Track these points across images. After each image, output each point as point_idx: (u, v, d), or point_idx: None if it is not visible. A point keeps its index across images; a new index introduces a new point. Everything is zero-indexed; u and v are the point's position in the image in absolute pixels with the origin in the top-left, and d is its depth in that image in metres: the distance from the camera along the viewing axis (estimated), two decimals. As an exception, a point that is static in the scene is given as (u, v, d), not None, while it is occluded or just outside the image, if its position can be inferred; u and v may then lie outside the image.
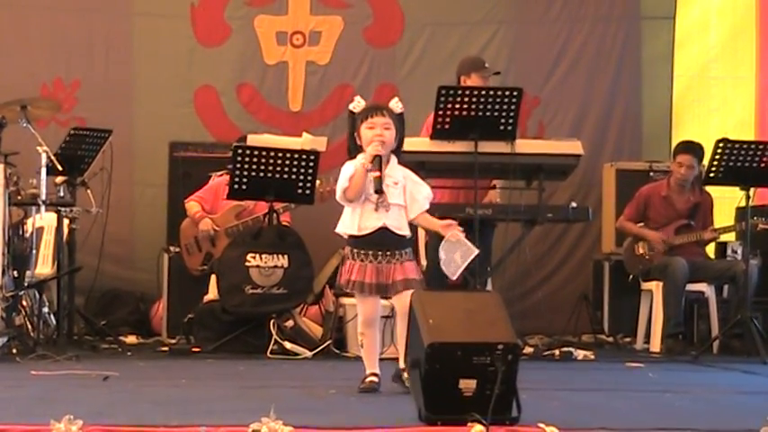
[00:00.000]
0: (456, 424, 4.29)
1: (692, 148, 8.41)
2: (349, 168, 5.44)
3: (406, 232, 5.49)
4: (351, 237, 5.47)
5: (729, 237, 8.72)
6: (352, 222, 5.46)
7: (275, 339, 7.59)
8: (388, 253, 5.42)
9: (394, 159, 5.52)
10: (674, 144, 9.63)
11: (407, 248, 5.50)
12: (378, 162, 5.36)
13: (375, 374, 5.48)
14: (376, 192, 5.36)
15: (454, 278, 5.67)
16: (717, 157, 7.72)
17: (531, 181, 7.78)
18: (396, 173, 5.49)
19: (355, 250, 5.45)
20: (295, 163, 7.72)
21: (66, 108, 9.16)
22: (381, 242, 5.42)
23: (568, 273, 9.84)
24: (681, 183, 8.42)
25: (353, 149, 5.52)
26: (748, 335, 7.70)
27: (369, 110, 5.49)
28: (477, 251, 5.54)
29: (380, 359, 5.58)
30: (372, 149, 5.38)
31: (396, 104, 5.52)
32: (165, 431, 4.20)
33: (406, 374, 5.35)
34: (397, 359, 5.53)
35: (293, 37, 9.86)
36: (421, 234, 8.03)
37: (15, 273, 7.40)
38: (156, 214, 9.33)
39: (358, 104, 5.52)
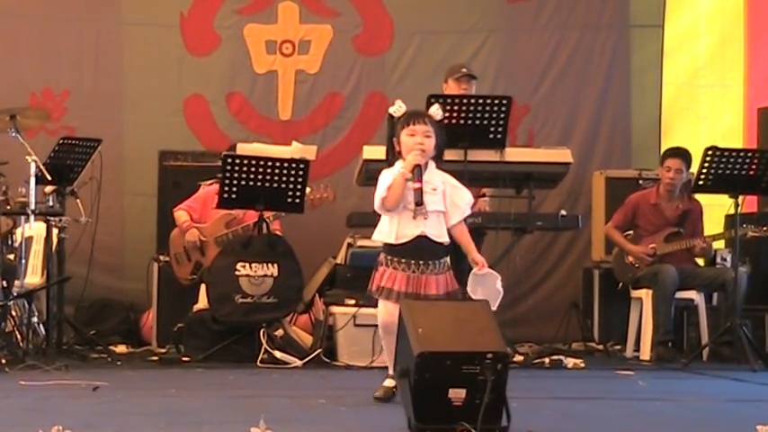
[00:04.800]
0: (446, 433, 4.30)
1: (680, 153, 8.44)
2: (387, 177, 5.38)
3: (445, 239, 5.41)
4: (387, 245, 5.41)
5: (719, 244, 8.73)
6: (390, 231, 5.39)
7: (265, 349, 7.58)
8: (421, 262, 5.34)
9: (432, 165, 5.45)
10: (662, 152, 9.67)
11: (444, 258, 5.41)
12: (418, 172, 5.31)
13: (393, 378, 5.42)
14: (417, 204, 5.29)
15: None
16: (706, 164, 7.73)
17: (521, 189, 7.79)
18: (434, 178, 5.42)
19: (389, 257, 5.39)
20: (285, 172, 7.71)
21: (56, 117, 9.15)
22: (418, 251, 5.35)
23: (558, 281, 9.85)
24: (669, 188, 8.42)
25: (392, 154, 5.47)
26: (738, 342, 7.70)
27: (410, 116, 5.42)
28: (498, 276, 5.45)
29: (369, 368, 5.58)
30: (413, 159, 5.32)
31: (436, 111, 5.47)
32: (154, 441, 4.20)
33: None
34: (385, 367, 5.53)
35: (283, 46, 9.86)
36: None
37: (4, 282, 7.38)
38: (146, 223, 9.31)
39: (398, 109, 5.45)
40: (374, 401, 5.40)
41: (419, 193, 5.30)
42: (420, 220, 5.35)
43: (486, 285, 5.32)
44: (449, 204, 5.43)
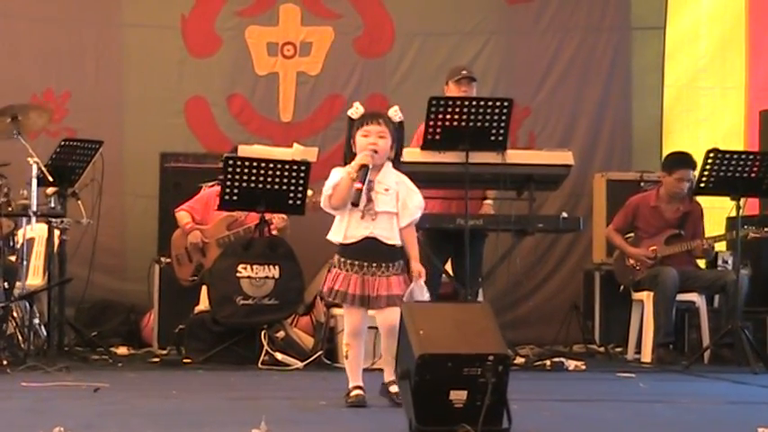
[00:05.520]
0: (447, 435, 4.30)
1: (690, 162, 8.26)
2: (335, 175, 5.37)
3: (397, 241, 5.37)
4: (339, 245, 5.40)
5: (720, 247, 8.72)
6: (339, 230, 5.39)
7: (266, 350, 7.59)
8: (374, 265, 5.32)
9: (388, 165, 5.43)
10: (664, 154, 9.65)
11: (397, 261, 5.38)
12: (363, 173, 5.27)
13: (360, 387, 5.40)
14: (352, 204, 5.28)
15: None
16: (707, 167, 7.73)
17: (522, 191, 7.80)
18: (388, 179, 5.40)
19: (342, 259, 5.37)
20: (286, 174, 7.72)
21: (57, 119, 9.15)
22: (368, 252, 5.33)
23: (559, 283, 9.85)
24: (678, 196, 8.41)
25: (349, 156, 5.45)
26: (739, 345, 7.70)
27: (365, 117, 5.41)
28: (424, 287, 5.43)
29: (369, 370, 5.57)
30: (361, 159, 5.31)
31: (395, 113, 5.44)
32: (155, 443, 4.20)
33: (392, 388, 5.30)
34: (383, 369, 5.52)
35: (284, 48, 9.87)
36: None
37: (6, 284, 7.39)
38: (147, 225, 9.32)
39: (356, 111, 5.43)
40: (366, 406, 5.39)
41: (358, 194, 5.26)
42: (368, 220, 5.33)
43: (415, 296, 5.30)
44: (400, 206, 5.40)
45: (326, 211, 5.46)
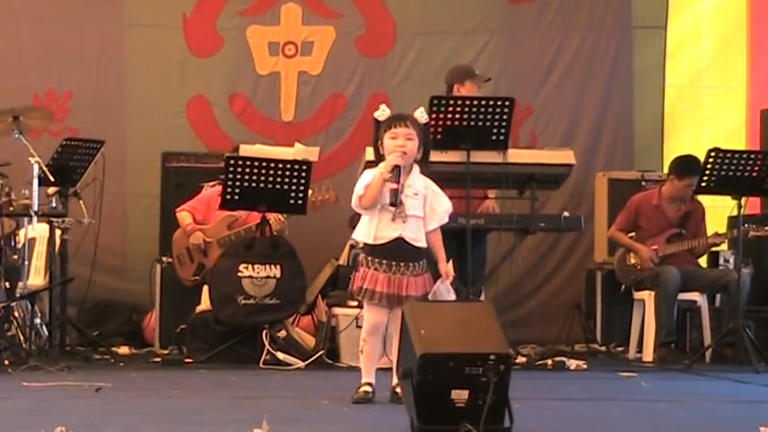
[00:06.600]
0: (448, 434, 4.30)
1: (698, 168, 8.19)
2: (367, 176, 5.44)
3: (423, 244, 5.46)
4: (366, 245, 5.46)
5: (722, 246, 8.71)
6: (368, 231, 5.45)
7: (268, 350, 7.59)
8: (402, 264, 5.40)
9: (416, 169, 5.50)
10: (666, 153, 9.67)
11: (422, 260, 5.46)
12: (397, 173, 5.35)
13: (370, 384, 5.46)
14: (391, 204, 5.35)
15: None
16: (708, 166, 7.73)
17: (524, 190, 7.80)
18: (417, 183, 5.47)
19: (369, 258, 5.44)
20: (287, 173, 7.72)
21: (59, 118, 9.16)
22: (396, 253, 5.40)
23: (561, 282, 9.84)
24: (683, 199, 8.40)
25: (377, 158, 5.51)
26: (740, 344, 7.70)
27: (392, 119, 5.47)
28: (451, 290, 5.51)
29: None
30: (392, 159, 5.37)
31: (420, 114, 5.51)
32: (157, 442, 4.20)
33: (399, 390, 5.34)
34: (389, 369, 5.52)
35: (285, 47, 9.87)
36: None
37: (7, 284, 7.41)
38: (149, 225, 9.31)
39: (383, 113, 5.49)
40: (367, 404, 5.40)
41: (395, 194, 5.34)
42: (399, 223, 5.41)
43: (440, 295, 5.35)
44: (427, 209, 5.48)
45: (357, 211, 5.51)
